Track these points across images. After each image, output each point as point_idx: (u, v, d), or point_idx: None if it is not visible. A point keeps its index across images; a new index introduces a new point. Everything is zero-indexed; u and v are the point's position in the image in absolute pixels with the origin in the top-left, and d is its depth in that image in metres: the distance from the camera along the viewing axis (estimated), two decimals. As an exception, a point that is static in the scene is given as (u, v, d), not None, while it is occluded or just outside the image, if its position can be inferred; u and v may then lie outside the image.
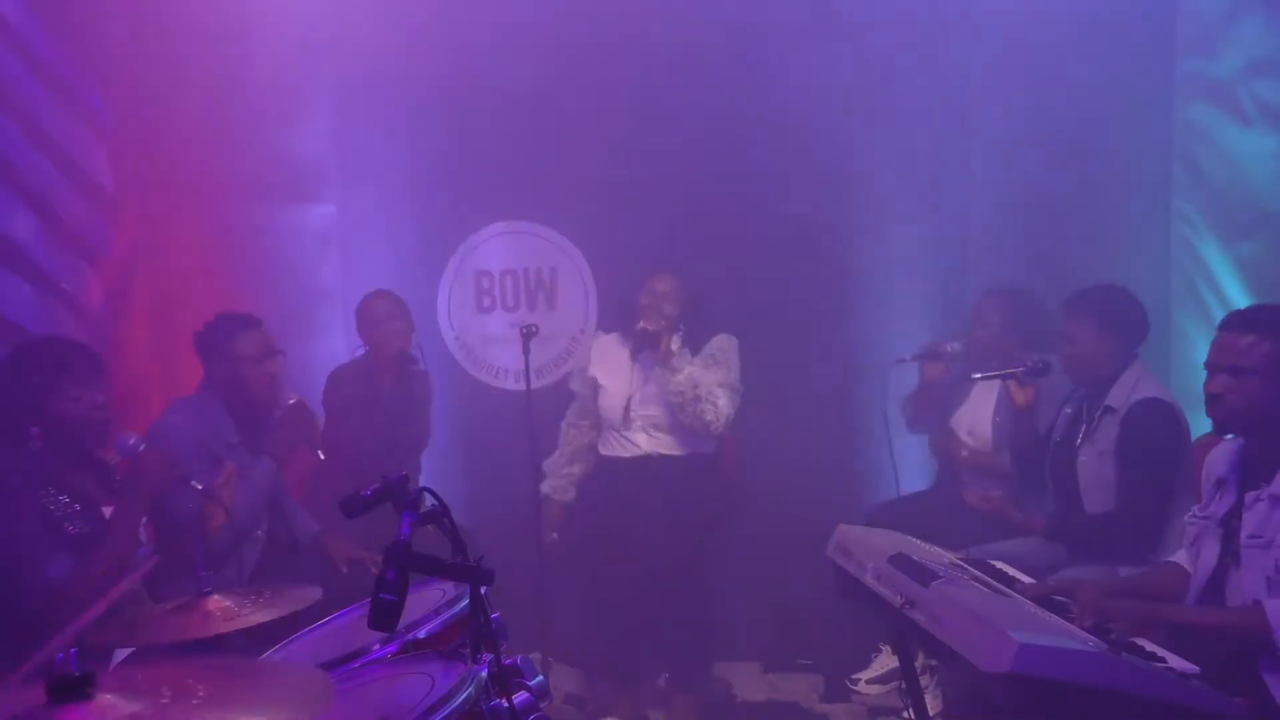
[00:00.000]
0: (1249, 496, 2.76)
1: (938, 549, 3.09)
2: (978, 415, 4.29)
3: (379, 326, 4.43)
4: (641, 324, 4.35)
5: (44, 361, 3.09)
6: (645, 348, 4.40)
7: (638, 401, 4.44)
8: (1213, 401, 2.83)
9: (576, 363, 4.72)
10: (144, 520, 3.18)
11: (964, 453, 4.26)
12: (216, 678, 1.85)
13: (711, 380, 4.34)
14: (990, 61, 4.81)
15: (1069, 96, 4.55)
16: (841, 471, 5.05)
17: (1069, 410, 3.84)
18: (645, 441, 4.45)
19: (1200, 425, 3.68)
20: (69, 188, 4.13)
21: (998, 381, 4.12)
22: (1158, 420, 3.54)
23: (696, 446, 4.48)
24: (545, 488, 4.49)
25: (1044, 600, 2.83)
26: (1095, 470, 3.61)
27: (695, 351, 4.41)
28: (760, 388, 4.62)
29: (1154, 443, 3.51)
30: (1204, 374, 3.71)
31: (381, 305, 4.46)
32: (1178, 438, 3.57)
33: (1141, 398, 3.56)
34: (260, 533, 3.67)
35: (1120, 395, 3.59)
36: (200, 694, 1.75)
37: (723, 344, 4.47)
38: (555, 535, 4.41)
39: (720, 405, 4.31)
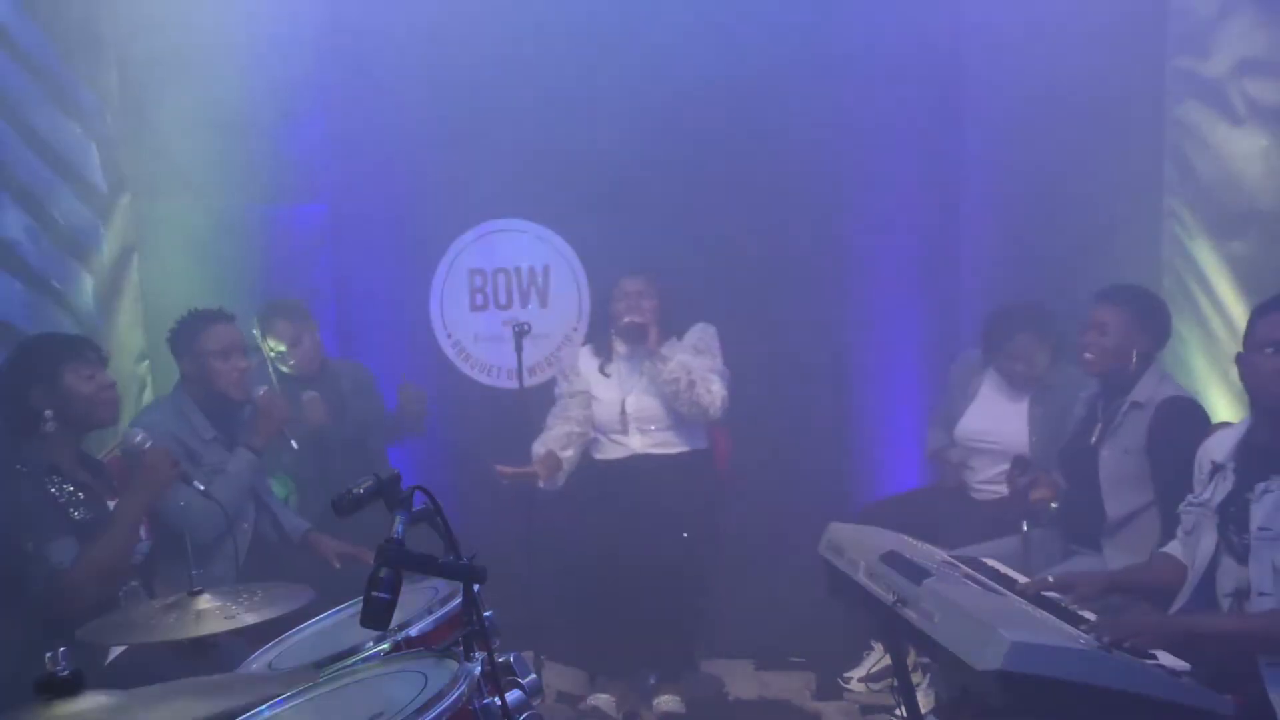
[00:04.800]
0: (1259, 487, 2.75)
1: (930, 547, 3.09)
2: (1007, 429, 4.23)
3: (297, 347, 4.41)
4: (627, 319, 4.40)
5: (55, 347, 3.21)
6: (632, 342, 4.45)
7: (632, 403, 4.46)
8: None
9: (563, 368, 4.72)
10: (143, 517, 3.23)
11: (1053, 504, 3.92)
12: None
13: (703, 366, 4.38)
14: (981, 61, 4.82)
15: (1059, 96, 4.56)
16: (834, 469, 5.06)
17: (1082, 411, 3.84)
18: (638, 442, 4.48)
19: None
20: (60, 186, 4.12)
21: (1026, 396, 4.19)
22: (1190, 419, 3.52)
23: (691, 443, 4.51)
24: (554, 448, 4.41)
25: (1038, 597, 2.84)
26: (1118, 468, 3.59)
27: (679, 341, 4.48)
28: (753, 386, 4.64)
29: (1189, 440, 3.41)
30: (1194, 373, 3.73)
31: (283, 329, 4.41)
32: (1207, 435, 3.55)
33: (1170, 395, 3.56)
34: (246, 525, 3.70)
35: (1146, 392, 3.57)
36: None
37: (704, 332, 4.53)
38: (560, 482, 4.36)
39: (715, 389, 4.37)
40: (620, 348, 4.55)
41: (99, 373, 3.21)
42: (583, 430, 4.52)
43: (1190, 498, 3.02)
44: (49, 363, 3.14)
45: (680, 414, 4.42)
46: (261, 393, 3.83)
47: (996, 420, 4.24)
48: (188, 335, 3.75)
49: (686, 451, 4.50)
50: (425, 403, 4.66)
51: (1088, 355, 3.70)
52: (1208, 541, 2.87)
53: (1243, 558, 2.75)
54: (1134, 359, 3.61)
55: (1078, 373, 3.90)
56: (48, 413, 3.09)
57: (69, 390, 3.13)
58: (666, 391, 4.37)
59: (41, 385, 3.11)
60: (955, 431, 4.35)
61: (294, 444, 3.93)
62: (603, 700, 4.15)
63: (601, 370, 4.56)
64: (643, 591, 4.08)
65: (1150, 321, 3.66)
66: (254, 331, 4.38)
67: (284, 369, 4.38)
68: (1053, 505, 3.80)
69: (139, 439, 3.30)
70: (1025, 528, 3.83)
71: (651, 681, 4.26)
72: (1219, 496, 2.87)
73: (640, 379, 4.49)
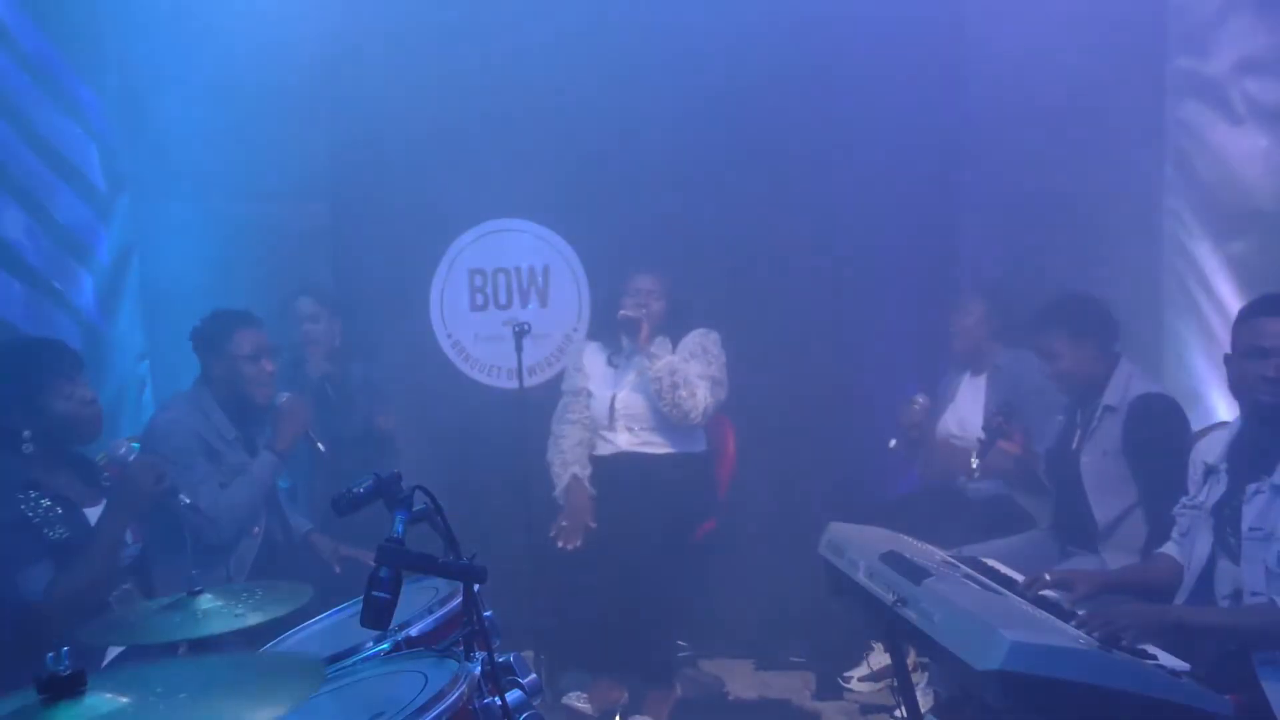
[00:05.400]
0: (1250, 488, 2.75)
1: (930, 547, 3.09)
2: (966, 414, 4.30)
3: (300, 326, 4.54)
4: (623, 311, 4.40)
5: (28, 363, 3.05)
6: (626, 336, 4.44)
7: (621, 400, 4.46)
8: (1270, 385, 2.77)
9: (568, 363, 4.72)
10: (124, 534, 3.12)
11: (974, 461, 4.12)
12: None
13: (691, 371, 4.38)
14: (981, 61, 4.83)
15: (1060, 95, 4.56)
16: (834, 469, 5.05)
17: (1061, 417, 3.85)
18: (626, 440, 4.47)
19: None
20: (60, 186, 4.13)
21: (984, 383, 4.27)
22: (1162, 413, 3.54)
23: (684, 445, 4.49)
24: (576, 470, 4.39)
25: (1037, 597, 2.84)
26: (1099, 471, 3.61)
27: (675, 345, 4.47)
28: (754, 386, 4.63)
29: (1164, 435, 3.50)
30: (1194, 373, 3.71)
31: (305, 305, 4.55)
32: (1183, 428, 3.57)
33: (1140, 393, 3.57)
34: (257, 530, 3.68)
35: (1116, 394, 3.59)
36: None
37: (701, 338, 4.50)
38: (594, 524, 4.25)
39: (699, 395, 4.35)
40: (624, 343, 4.55)
41: (79, 387, 3.05)
42: (590, 434, 4.52)
43: (1185, 499, 3.02)
44: (25, 380, 2.99)
45: (664, 414, 4.42)
46: (285, 398, 3.83)
47: (965, 421, 4.28)
48: (217, 335, 3.71)
49: (676, 453, 4.48)
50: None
51: (1053, 383, 3.78)
52: (1203, 543, 2.87)
53: (1238, 559, 2.75)
54: (1091, 366, 3.64)
55: (1030, 356, 3.93)
56: (26, 433, 2.95)
57: (48, 411, 2.99)
58: (652, 390, 4.37)
59: (17, 404, 2.96)
60: (936, 431, 4.38)
61: (320, 446, 3.92)
62: (575, 696, 4.14)
63: (609, 362, 4.55)
64: (626, 592, 4.06)
65: (1088, 327, 3.66)
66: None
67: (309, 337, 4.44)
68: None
69: (123, 451, 3.19)
70: (974, 463, 4.03)
71: (640, 683, 4.27)
72: (1213, 498, 2.88)
73: (632, 376, 4.48)
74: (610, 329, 4.59)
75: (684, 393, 4.32)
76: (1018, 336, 4.18)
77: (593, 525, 4.23)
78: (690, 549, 4.34)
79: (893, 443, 4.42)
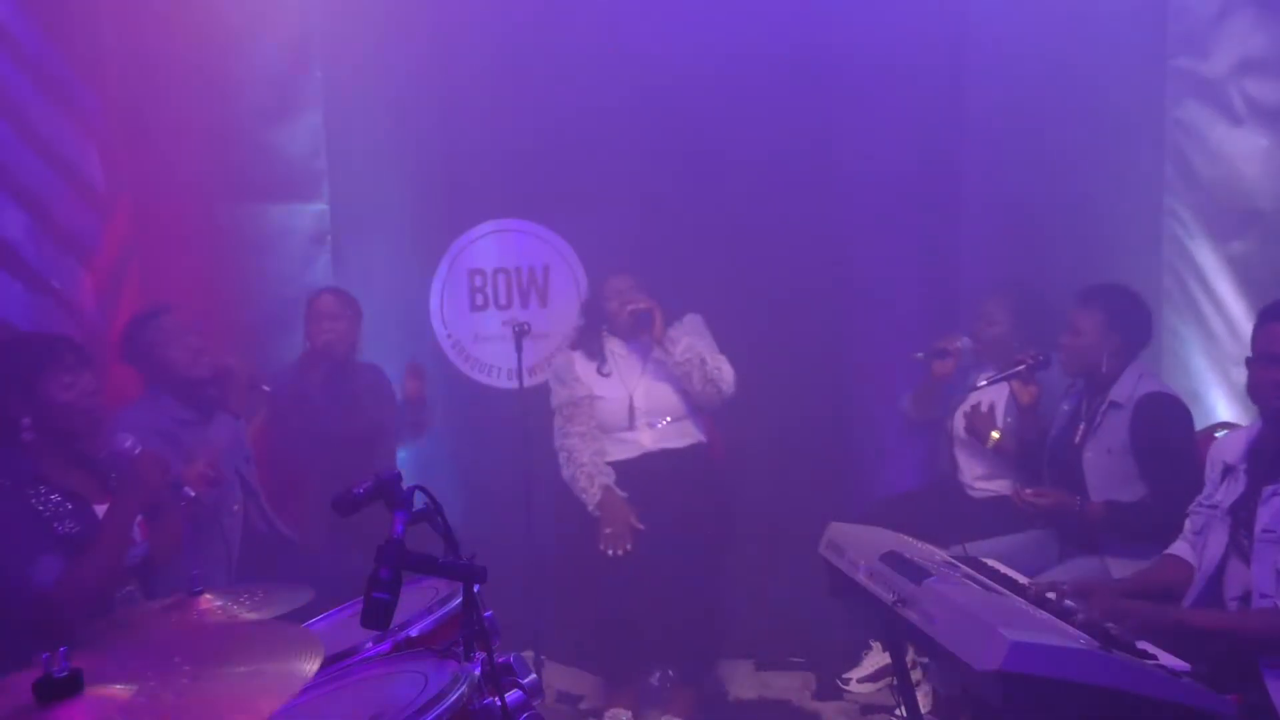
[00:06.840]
0: (1266, 490, 2.75)
1: (930, 547, 3.09)
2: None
3: (320, 324, 4.40)
4: (632, 307, 4.36)
5: (32, 352, 3.06)
6: (638, 331, 4.40)
7: (640, 397, 4.44)
8: (1275, 391, 2.79)
9: (555, 377, 4.60)
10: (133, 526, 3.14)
11: (994, 434, 4.14)
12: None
13: (706, 347, 4.38)
14: (981, 60, 4.82)
15: (1059, 95, 4.56)
16: (833, 468, 5.05)
17: (1066, 407, 3.85)
18: (648, 438, 4.44)
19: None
20: (60, 186, 4.12)
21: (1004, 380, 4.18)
22: (1170, 413, 3.55)
23: (695, 436, 4.49)
24: (605, 481, 4.27)
25: (1039, 598, 2.84)
26: (1103, 467, 3.61)
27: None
28: (753, 384, 4.63)
29: (1172, 434, 3.51)
30: (1194, 373, 3.72)
31: (327, 302, 4.46)
32: (1190, 429, 3.59)
33: (1148, 392, 3.58)
34: (236, 507, 3.70)
35: (1124, 391, 3.59)
36: (186, 670, 1.76)
37: (696, 321, 4.53)
38: (640, 526, 4.17)
39: (725, 366, 4.38)
40: (616, 346, 4.52)
41: (81, 379, 3.05)
42: (599, 442, 4.44)
43: (1201, 499, 3.02)
44: (25, 368, 3.00)
45: (693, 398, 4.39)
46: (220, 364, 3.87)
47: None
48: (134, 337, 3.76)
49: (693, 444, 4.48)
50: (423, 379, 4.62)
51: (1062, 356, 3.76)
52: (1216, 542, 2.87)
53: (1250, 560, 2.75)
54: (1109, 358, 3.63)
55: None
56: (25, 421, 2.95)
57: (48, 399, 2.99)
58: (679, 374, 4.34)
59: (17, 392, 2.97)
60: (953, 425, 4.37)
61: (265, 387, 4.06)
62: (616, 715, 4.12)
63: (599, 372, 4.51)
64: (668, 590, 4.05)
65: (1124, 321, 3.67)
66: None
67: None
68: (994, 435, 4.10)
69: (129, 444, 3.16)
70: (981, 382, 4.08)
71: (654, 681, 4.26)
72: (1231, 498, 2.87)
73: (648, 367, 4.46)
74: (592, 337, 4.56)
75: (713, 366, 4.33)
76: (1040, 337, 4.17)
77: (640, 527, 4.15)
78: (724, 539, 4.34)
79: (919, 355, 4.45)
